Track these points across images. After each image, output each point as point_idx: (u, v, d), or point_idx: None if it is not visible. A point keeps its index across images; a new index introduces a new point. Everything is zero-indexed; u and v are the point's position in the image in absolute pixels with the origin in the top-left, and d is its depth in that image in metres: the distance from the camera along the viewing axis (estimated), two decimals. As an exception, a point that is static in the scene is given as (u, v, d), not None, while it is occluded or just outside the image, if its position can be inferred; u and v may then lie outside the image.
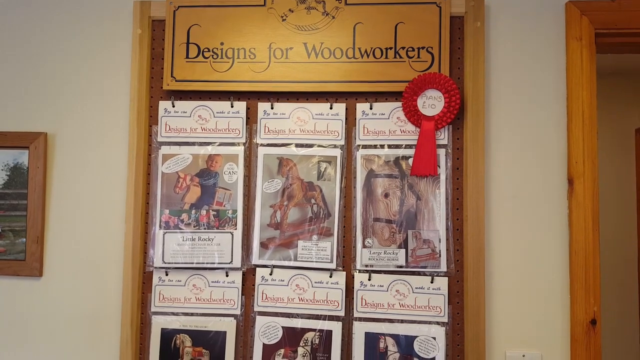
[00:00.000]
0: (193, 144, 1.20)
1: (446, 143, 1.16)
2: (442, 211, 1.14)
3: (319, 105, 1.19)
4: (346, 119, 1.19)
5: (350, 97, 1.19)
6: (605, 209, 2.82)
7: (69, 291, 1.24)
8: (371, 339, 1.12)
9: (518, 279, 1.15)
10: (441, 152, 1.15)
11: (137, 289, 1.18)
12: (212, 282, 1.17)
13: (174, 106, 1.21)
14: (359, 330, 1.13)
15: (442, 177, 1.15)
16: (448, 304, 1.12)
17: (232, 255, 1.16)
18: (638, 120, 2.85)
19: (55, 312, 1.24)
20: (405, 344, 1.12)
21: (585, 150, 1.17)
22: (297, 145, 1.19)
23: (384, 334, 1.12)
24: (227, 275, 1.17)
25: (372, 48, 1.18)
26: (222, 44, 1.20)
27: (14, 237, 1.26)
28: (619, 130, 2.87)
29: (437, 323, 1.12)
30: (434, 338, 1.11)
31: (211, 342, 1.15)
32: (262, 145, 1.19)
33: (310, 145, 1.18)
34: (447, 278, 1.13)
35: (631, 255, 2.80)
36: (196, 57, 1.21)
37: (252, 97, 1.21)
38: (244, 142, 1.20)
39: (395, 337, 1.12)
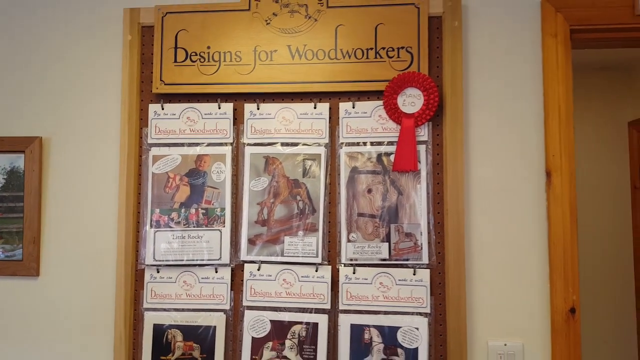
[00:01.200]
0: (182, 144, 1.25)
1: (426, 139, 1.19)
2: (423, 205, 1.18)
3: (303, 105, 1.23)
4: (330, 117, 1.23)
5: (333, 97, 1.23)
6: (598, 201, 2.85)
7: (65, 289, 1.28)
8: (356, 331, 1.16)
9: (499, 270, 1.19)
10: (422, 148, 1.19)
11: (130, 286, 1.22)
12: (202, 278, 1.21)
13: (163, 109, 1.25)
14: (345, 322, 1.16)
15: (423, 173, 1.19)
16: (430, 295, 1.16)
17: (221, 252, 1.20)
18: (631, 113, 2.88)
19: (52, 310, 1.28)
20: (389, 335, 1.15)
21: (562, 143, 1.20)
22: (282, 144, 1.23)
23: (368, 326, 1.16)
24: (216, 272, 1.21)
25: (353, 49, 1.22)
26: (208, 47, 1.24)
27: (11, 239, 1.30)
28: (612, 124, 2.90)
29: (420, 314, 1.15)
30: (417, 328, 1.15)
31: (201, 336, 1.19)
32: (248, 144, 1.23)
33: (296, 144, 1.22)
34: (429, 270, 1.16)
35: (626, 248, 2.83)
36: (184, 61, 1.25)
37: (239, 98, 1.25)
38: (232, 142, 1.24)
39: (379, 328, 1.16)
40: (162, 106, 1.25)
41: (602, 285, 2.83)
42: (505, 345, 1.17)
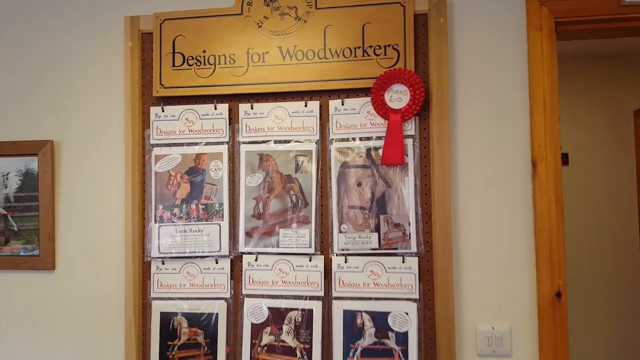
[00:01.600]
0: (182, 144, 1.32)
1: (413, 133, 1.24)
2: (411, 197, 1.23)
3: (294, 104, 1.29)
4: (320, 115, 1.28)
5: (323, 95, 1.29)
6: (604, 190, 2.84)
7: (78, 282, 1.38)
8: (349, 316, 1.22)
9: (486, 257, 1.23)
10: (409, 142, 1.24)
11: (137, 277, 1.31)
12: (203, 269, 1.29)
13: (163, 111, 1.33)
14: (338, 309, 1.23)
15: (411, 166, 1.24)
16: (419, 282, 1.21)
17: (220, 244, 1.28)
18: (636, 101, 2.85)
19: (67, 300, 1.38)
20: (381, 320, 1.21)
21: (547, 134, 1.23)
22: (275, 142, 1.29)
23: (360, 311, 1.22)
24: (216, 263, 1.29)
25: (341, 48, 1.27)
26: (204, 51, 1.31)
27: (30, 238, 1.40)
28: (617, 112, 2.88)
29: (409, 299, 1.21)
30: (407, 313, 1.20)
31: (205, 322, 1.27)
32: (244, 143, 1.30)
33: (288, 141, 1.28)
34: (417, 258, 1.22)
35: (632, 235, 2.82)
36: (181, 65, 1.32)
37: (234, 99, 1.32)
38: (228, 141, 1.31)
39: (371, 313, 1.22)
40: (162, 108, 1.33)
41: (611, 273, 2.83)
42: (493, 328, 1.22)
